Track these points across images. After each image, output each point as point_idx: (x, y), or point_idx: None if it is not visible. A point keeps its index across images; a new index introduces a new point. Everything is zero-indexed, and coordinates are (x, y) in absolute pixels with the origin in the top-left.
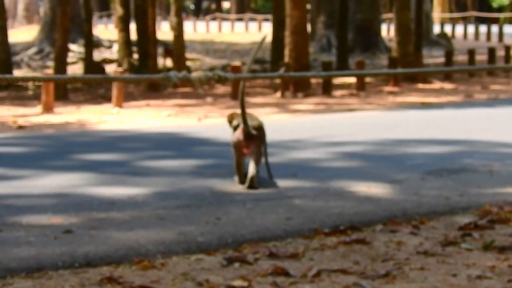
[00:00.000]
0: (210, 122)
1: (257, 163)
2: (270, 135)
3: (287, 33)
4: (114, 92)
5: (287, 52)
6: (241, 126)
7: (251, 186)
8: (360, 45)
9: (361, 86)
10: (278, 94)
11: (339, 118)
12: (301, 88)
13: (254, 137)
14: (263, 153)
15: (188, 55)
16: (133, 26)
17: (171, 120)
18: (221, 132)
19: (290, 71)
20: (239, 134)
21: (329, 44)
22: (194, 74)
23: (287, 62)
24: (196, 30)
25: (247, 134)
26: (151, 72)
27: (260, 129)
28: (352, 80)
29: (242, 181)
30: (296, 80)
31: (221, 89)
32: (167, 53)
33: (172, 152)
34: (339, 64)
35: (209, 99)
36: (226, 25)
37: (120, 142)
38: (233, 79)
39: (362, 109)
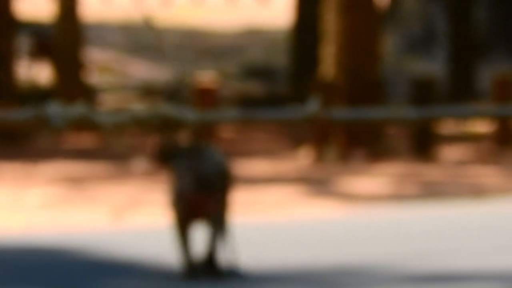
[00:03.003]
0: (141, 221)
1: (223, 230)
2: (274, 254)
3: (327, 10)
4: None
5: (328, 52)
6: (190, 166)
7: (214, 272)
8: (504, 37)
9: (506, 136)
10: (307, 151)
11: (450, 218)
12: (362, 139)
13: (215, 188)
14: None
15: (93, 55)
16: None
17: (49, 215)
18: (165, 245)
19: (335, 100)
20: (186, 183)
21: (428, 34)
22: (105, 105)
23: (329, 76)
24: None
25: (202, 181)
26: (4, 96)
27: (224, 174)
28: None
29: (191, 267)
30: (350, 124)
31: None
32: (41, 49)
33: None
34: (454, 81)
35: (139, 164)
36: None
37: None
38: (197, 123)
39: (507, 194)
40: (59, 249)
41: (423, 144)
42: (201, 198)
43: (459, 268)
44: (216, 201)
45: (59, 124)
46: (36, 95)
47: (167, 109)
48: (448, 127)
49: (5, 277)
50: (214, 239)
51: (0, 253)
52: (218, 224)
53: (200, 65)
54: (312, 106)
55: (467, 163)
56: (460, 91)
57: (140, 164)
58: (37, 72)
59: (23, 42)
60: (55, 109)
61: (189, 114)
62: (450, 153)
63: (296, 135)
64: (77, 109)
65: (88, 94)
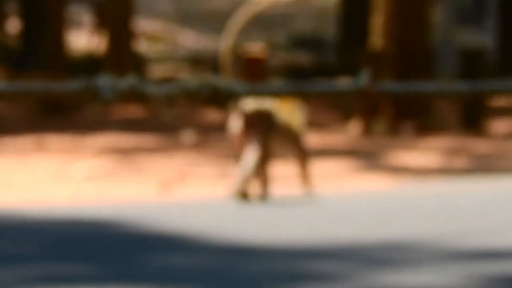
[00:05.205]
0: (191, 192)
1: (260, 163)
2: (322, 227)
3: None
4: None
5: (377, 22)
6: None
7: (239, 195)
8: None
9: None
10: (356, 124)
11: (500, 193)
12: (411, 112)
13: (257, 120)
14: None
15: (143, 25)
16: None
17: (97, 187)
18: (222, 217)
19: (384, 72)
20: (236, 119)
21: (478, 4)
22: (155, 75)
23: (378, 46)
24: None
25: (246, 115)
26: (51, 67)
27: (269, 113)
28: None
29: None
30: (399, 97)
31: (215, 111)
32: (99, 16)
33: (96, 266)
34: (505, 52)
35: (188, 136)
36: None
37: None
38: (245, 94)
39: None
40: (106, 222)
41: (472, 118)
42: (244, 134)
43: (509, 244)
44: (255, 136)
45: (109, 96)
46: (88, 65)
47: (216, 80)
48: (498, 100)
49: (51, 249)
50: (250, 169)
51: (47, 224)
52: (255, 156)
53: (249, 35)
54: (363, 79)
55: None
56: (511, 62)
57: (189, 136)
58: (98, 42)
59: (86, 12)
60: (105, 81)
61: (238, 86)
62: (500, 126)
63: (344, 107)
64: (127, 81)
65: (137, 63)
